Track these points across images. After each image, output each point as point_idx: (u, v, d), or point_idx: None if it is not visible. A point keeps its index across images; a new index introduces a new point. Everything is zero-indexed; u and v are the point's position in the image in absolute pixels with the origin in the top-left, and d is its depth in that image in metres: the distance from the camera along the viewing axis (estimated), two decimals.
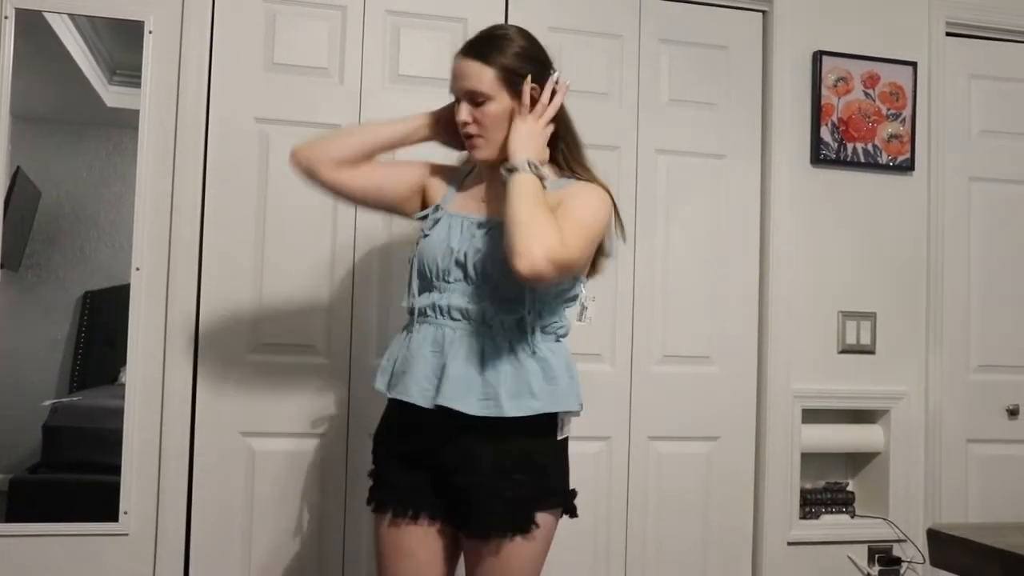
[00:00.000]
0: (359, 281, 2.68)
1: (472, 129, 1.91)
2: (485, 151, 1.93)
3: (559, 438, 1.90)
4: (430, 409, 1.85)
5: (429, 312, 1.91)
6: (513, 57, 1.89)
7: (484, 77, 1.88)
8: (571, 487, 1.95)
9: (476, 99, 1.89)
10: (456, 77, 1.92)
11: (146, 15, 2.58)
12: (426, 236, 1.96)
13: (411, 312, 1.96)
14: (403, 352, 1.94)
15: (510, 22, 2.80)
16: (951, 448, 3.11)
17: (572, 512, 1.95)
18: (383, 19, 2.74)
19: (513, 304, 1.86)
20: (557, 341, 1.93)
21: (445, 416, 1.83)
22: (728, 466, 2.95)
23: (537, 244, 1.72)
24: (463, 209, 1.97)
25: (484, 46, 1.91)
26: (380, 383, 1.97)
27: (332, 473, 2.64)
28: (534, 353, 1.86)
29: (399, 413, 1.94)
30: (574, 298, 1.96)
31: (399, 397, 1.90)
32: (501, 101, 1.89)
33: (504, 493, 1.82)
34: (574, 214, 1.83)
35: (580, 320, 1.99)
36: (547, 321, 1.90)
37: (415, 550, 1.91)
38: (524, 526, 1.83)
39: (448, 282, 1.89)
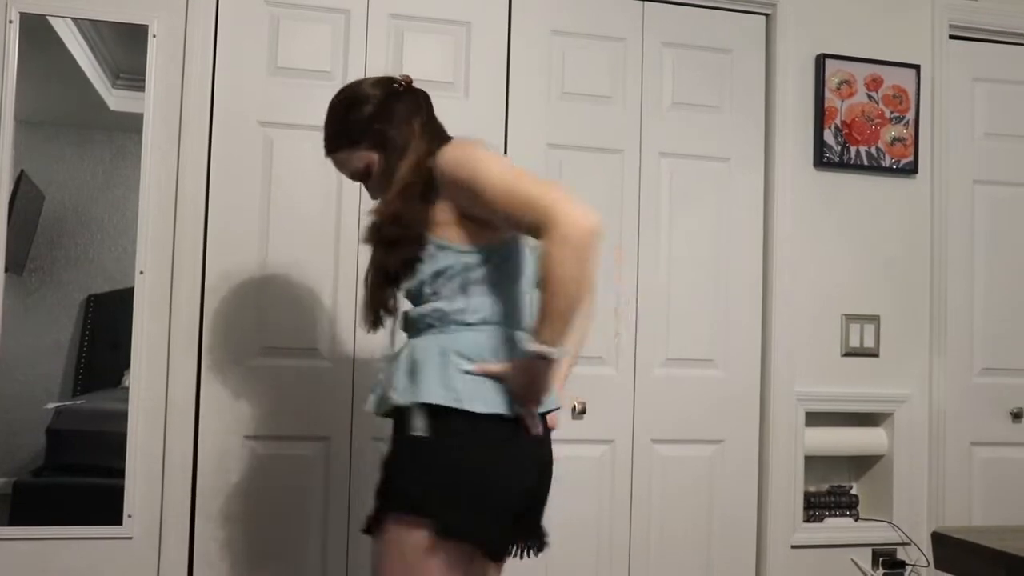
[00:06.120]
0: (363, 285, 2.67)
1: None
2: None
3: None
4: None
5: None
6: (350, 130, 1.93)
7: (351, 160, 1.94)
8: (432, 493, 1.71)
9: (362, 177, 1.97)
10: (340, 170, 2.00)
11: (150, 19, 2.59)
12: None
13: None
14: None
15: (513, 26, 2.82)
16: (955, 451, 3.10)
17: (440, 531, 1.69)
18: (386, 23, 2.74)
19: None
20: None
21: None
22: (731, 469, 2.94)
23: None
24: None
25: (328, 140, 1.97)
26: None
27: (336, 477, 2.64)
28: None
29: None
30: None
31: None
32: (370, 160, 1.93)
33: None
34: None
35: None
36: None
37: None
38: (370, 527, 1.80)
39: None
